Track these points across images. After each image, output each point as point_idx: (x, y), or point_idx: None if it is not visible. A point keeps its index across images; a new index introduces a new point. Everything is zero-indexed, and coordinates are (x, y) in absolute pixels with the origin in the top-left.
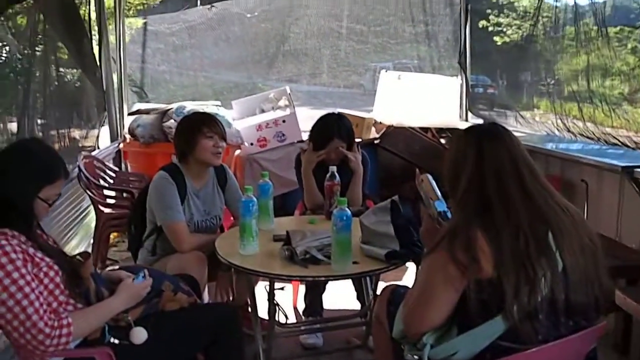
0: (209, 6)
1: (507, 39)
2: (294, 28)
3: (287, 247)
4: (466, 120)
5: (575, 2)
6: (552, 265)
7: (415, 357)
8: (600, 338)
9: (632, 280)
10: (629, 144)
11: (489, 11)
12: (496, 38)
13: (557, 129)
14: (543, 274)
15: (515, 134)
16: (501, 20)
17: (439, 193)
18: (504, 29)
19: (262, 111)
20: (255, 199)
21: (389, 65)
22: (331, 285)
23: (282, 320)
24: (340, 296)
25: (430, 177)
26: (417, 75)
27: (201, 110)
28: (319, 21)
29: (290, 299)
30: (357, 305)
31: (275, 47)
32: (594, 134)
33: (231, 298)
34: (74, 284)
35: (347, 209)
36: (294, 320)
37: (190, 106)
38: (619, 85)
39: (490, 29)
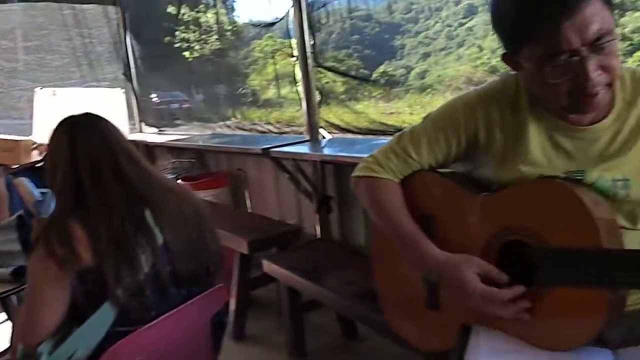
0: None
1: (196, 54)
2: None
3: None
4: (140, 131)
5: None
6: (152, 242)
7: None
8: (224, 303)
9: (283, 247)
10: (274, 130)
11: (176, 28)
12: (186, 53)
13: (219, 127)
14: (143, 251)
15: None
16: (188, 36)
17: (37, 194)
18: (192, 45)
19: None
20: None
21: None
22: None
23: None
24: None
25: (25, 180)
26: (74, 89)
27: None
28: None
29: None
30: None
31: None
32: (245, 127)
33: None
34: None
35: None
36: None
37: None
38: None
39: (178, 44)
